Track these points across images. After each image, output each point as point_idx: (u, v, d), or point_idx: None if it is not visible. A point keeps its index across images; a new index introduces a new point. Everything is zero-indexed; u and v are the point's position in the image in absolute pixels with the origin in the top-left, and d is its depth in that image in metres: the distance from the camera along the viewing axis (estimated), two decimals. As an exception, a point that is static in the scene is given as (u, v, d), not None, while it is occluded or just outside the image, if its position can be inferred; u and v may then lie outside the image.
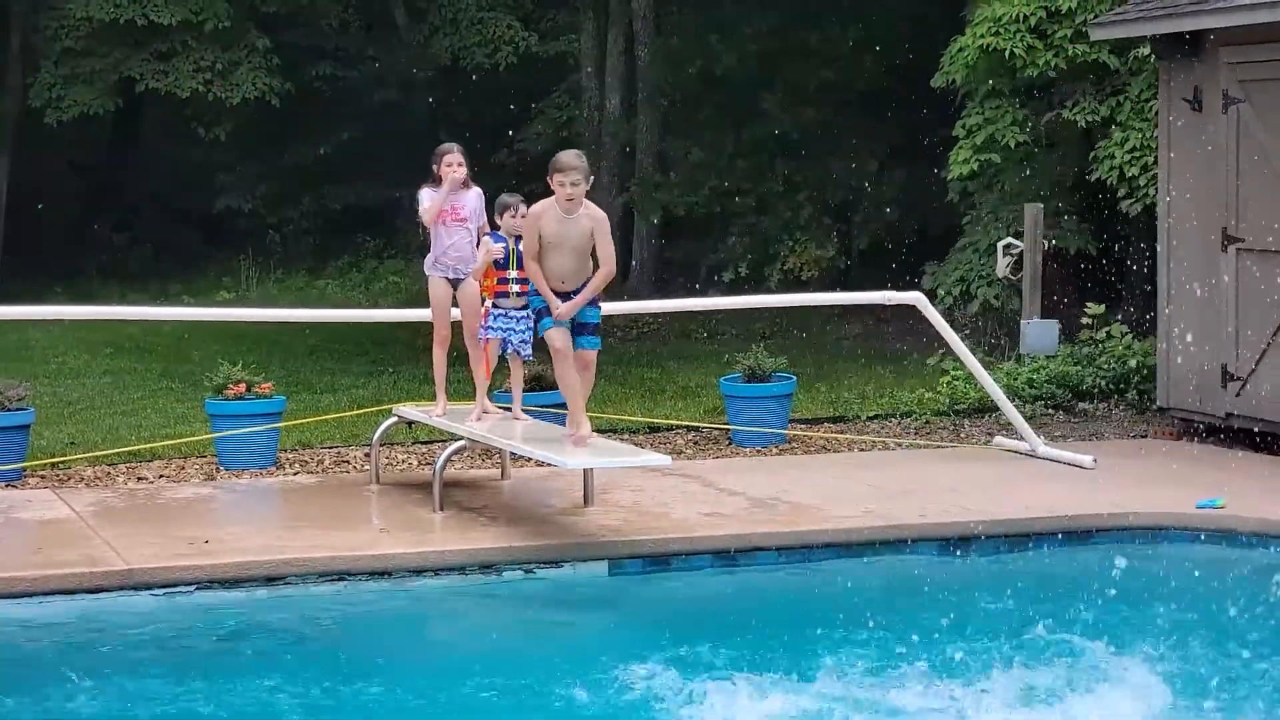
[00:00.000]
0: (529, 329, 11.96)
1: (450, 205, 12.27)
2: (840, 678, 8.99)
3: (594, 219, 11.25)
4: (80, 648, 9.56)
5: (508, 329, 12.07)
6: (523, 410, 12.48)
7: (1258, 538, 11.54)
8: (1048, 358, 16.55)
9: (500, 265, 11.97)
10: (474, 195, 12.39)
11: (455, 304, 12.42)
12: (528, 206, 11.63)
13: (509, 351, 12.18)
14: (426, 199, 12.30)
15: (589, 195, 11.34)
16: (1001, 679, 8.97)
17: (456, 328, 12.49)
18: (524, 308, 11.87)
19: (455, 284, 12.32)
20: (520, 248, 11.57)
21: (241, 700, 8.64)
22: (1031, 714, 8.45)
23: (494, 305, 12.06)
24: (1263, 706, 8.71)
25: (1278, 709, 8.68)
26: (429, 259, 12.38)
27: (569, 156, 11.32)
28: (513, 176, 26.70)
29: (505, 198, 12.12)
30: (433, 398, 12.90)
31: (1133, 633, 9.84)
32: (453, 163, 12.29)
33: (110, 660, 9.30)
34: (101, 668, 9.15)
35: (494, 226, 12.16)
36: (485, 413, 12.36)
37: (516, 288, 11.92)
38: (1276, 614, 10.13)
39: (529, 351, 12.14)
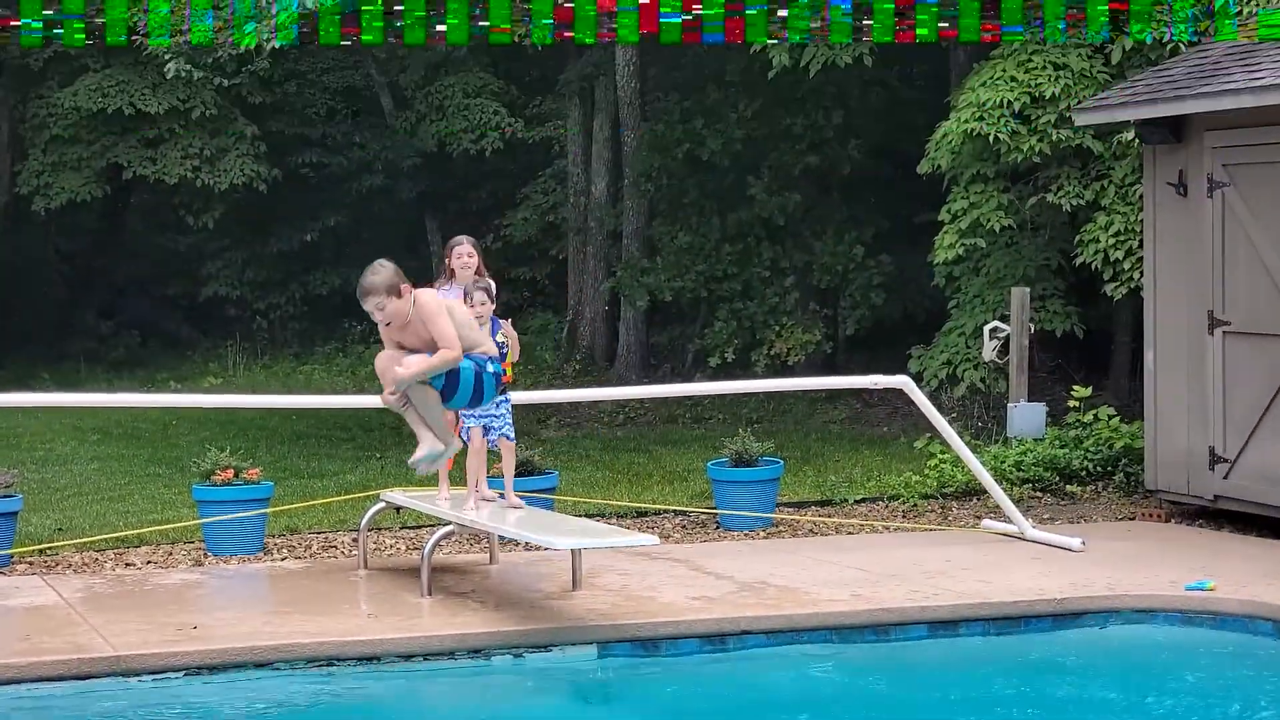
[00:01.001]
0: (509, 411, 11.98)
1: (470, 304, 12.19)
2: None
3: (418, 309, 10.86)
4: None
5: (486, 415, 12.04)
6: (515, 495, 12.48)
7: (1247, 619, 11.53)
8: (1035, 440, 16.58)
9: None
10: (485, 287, 12.32)
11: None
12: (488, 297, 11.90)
13: (494, 437, 12.15)
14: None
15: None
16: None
17: None
18: (503, 393, 11.85)
19: None
20: (496, 338, 11.61)
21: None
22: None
23: None
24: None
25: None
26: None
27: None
28: (499, 260, 26.82)
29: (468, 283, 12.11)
30: (421, 484, 12.90)
31: (1124, 715, 9.85)
32: (462, 254, 12.28)
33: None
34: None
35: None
36: (482, 499, 12.34)
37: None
38: (1265, 695, 10.14)
39: (512, 434, 12.12)
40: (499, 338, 11.79)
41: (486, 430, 12.11)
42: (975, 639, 11.52)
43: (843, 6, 15.01)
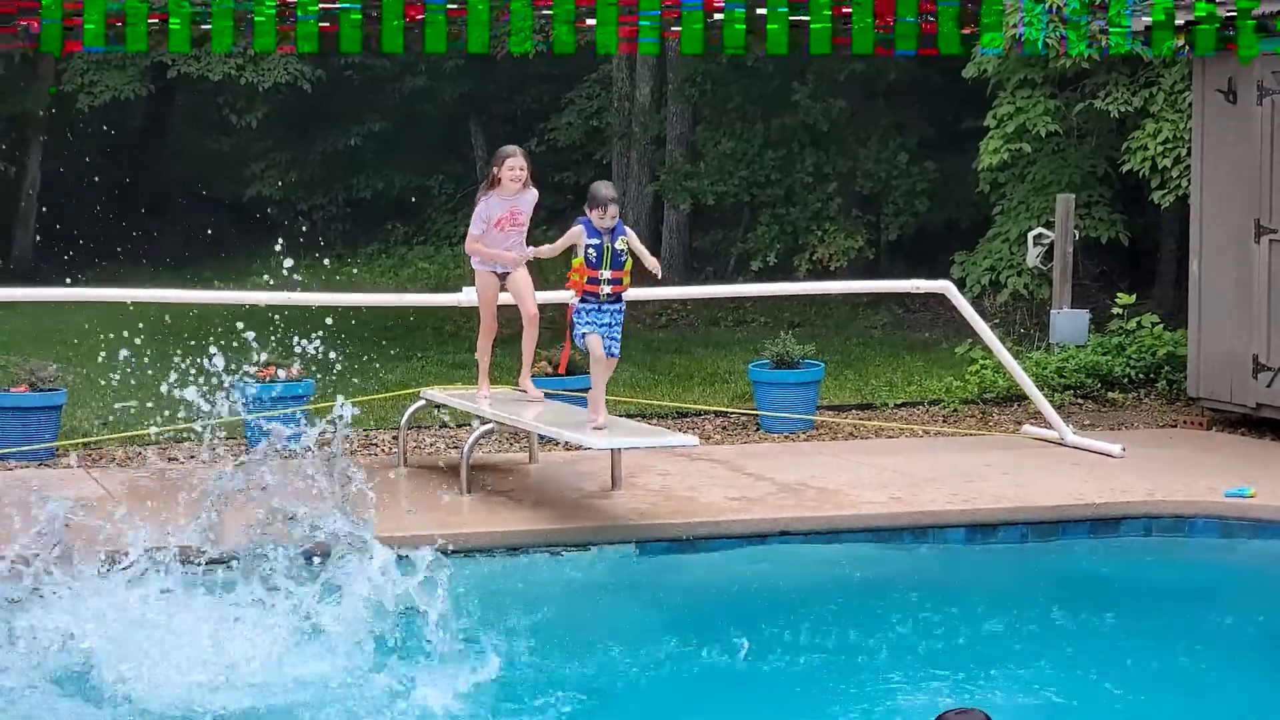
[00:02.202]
0: (619, 326, 11.70)
1: (509, 210, 12.10)
2: (867, 664, 9.02)
3: None
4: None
5: (603, 324, 11.58)
6: (544, 394, 12.47)
7: (1286, 526, 11.53)
8: (1077, 347, 16.53)
9: (591, 264, 11.49)
10: (530, 198, 12.15)
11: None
12: (619, 207, 11.64)
13: (603, 352, 11.61)
14: (484, 211, 12.07)
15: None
16: (1018, 664, 9.00)
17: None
18: (615, 302, 11.60)
19: (502, 277, 12.27)
20: (615, 245, 11.44)
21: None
22: (1039, 696, 8.44)
23: (582, 302, 11.55)
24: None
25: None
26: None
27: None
28: (543, 166, 26.75)
29: (604, 191, 11.63)
30: (462, 382, 12.92)
31: (1159, 619, 9.86)
32: (515, 167, 11.99)
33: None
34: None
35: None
36: (524, 392, 12.44)
37: (608, 288, 11.50)
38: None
39: (618, 350, 11.75)
40: (619, 244, 11.47)
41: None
42: (1013, 543, 11.53)
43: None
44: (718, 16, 15.16)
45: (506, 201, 12.06)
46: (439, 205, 29.55)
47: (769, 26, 15.14)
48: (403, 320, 21.95)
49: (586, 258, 11.43)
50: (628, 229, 11.64)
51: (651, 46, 14.00)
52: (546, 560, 10.89)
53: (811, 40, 15.54)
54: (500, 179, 12.02)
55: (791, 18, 15.14)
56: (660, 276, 11.84)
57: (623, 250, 11.49)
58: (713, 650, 9.17)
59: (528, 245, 12.31)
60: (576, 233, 11.48)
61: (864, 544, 11.35)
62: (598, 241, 11.43)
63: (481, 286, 12.36)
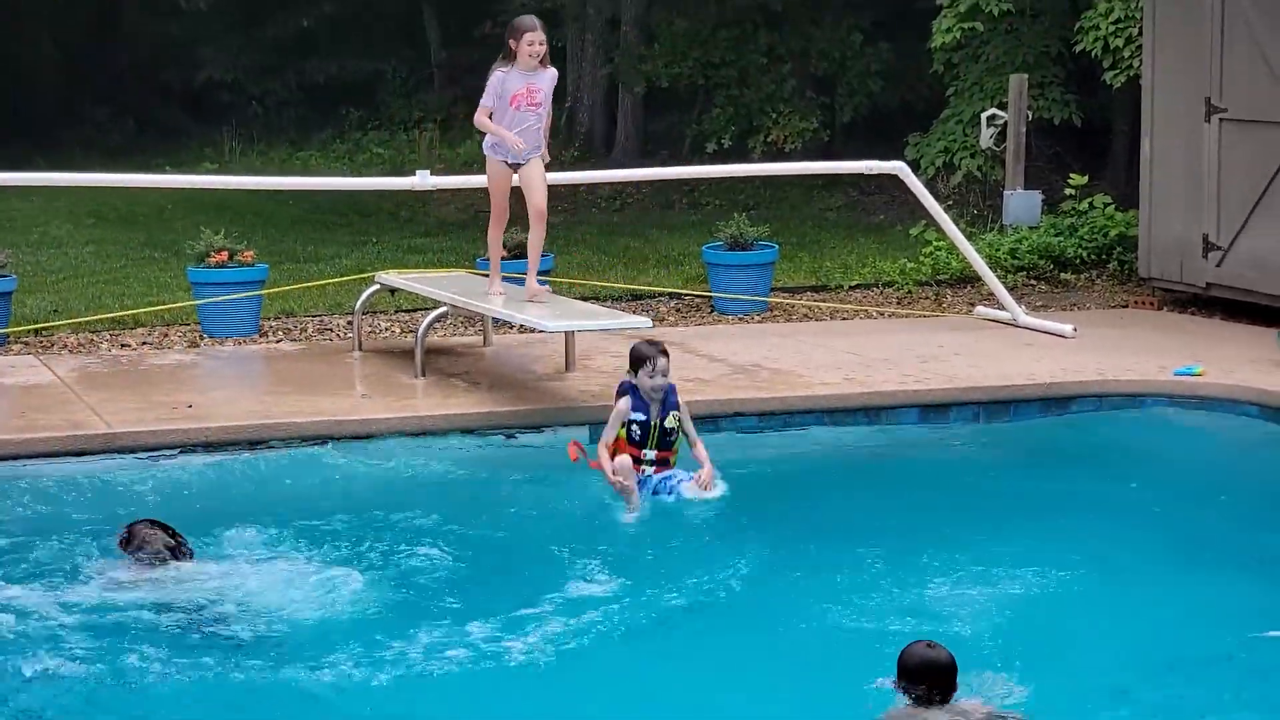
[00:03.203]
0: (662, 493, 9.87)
1: (526, 86, 11.23)
2: (815, 539, 9.10)
3: None
4: (65, 509, 9.60)
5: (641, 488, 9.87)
6: (502, 281, 12.24)
7: (1233, 403, 11.62)
8: (1030, 228, 16.58)
9: (634, 441, 9.90)
10: (550, 76, 11.34)
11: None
12: (668, 360, 9.90)
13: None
14: (498, 84, 11.22)
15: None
16: (973, 541, 9.10)
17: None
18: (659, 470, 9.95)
19: (514, 168, 11.50)
20: (665, 423, 9.89)
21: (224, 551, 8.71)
22: (992, 576, 8.54)
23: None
24: (1227, 559, 8.86)
25: (1242, 563, 8.81)
26: (488, 140, 11.46)
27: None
28: (496, 49, 26.57)
29: (645, 349, 9.93)
30: (417, 267, 12.87)
31: (1112, 495, 9.96)
32: (534, 41, 11.09)
33: (91, 521, 9.34)
34: (84, 526, 9.22)
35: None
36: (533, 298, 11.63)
37: (651, 468, 9.90)
38: (1248, 474, 10.26)
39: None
40: (669, 422, 9.90)
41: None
42: (965, 422, 11.62)
43: None
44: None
45: (525, 77, 11.23)
46: (394, 89, 29.35)
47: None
48: (358, 205, 21.88)
49: (629, 434, 9.88)
50: (682, 402, 10.03)
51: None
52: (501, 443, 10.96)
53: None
54: (516, 53, 11.16)
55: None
56: (709, 487, 9.79)
57: (673, 429, 9.95)
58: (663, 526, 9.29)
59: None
60: (622, 410, 9.91)
61: (818, 425, 11.43)
62: (644, 419, 9.89)
63: (492, 175, 11.58)
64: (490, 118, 11.33)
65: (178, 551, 8.52)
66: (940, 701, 6.39)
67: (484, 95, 11.28)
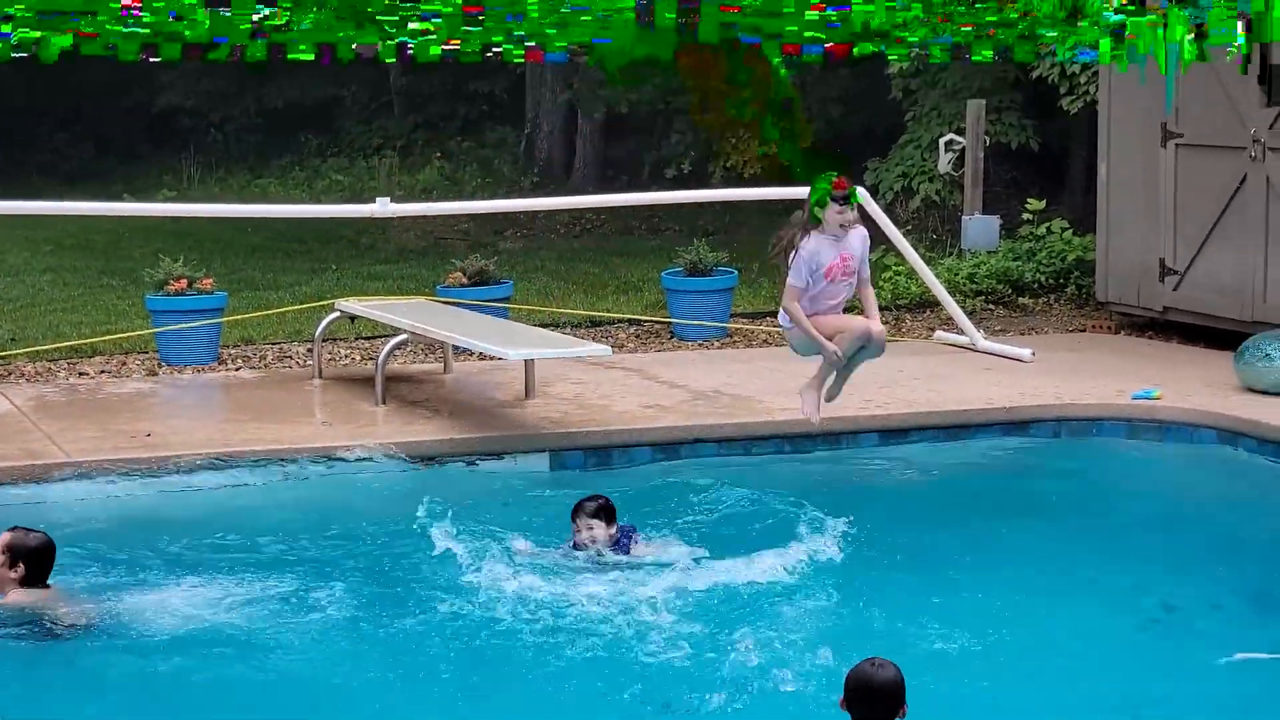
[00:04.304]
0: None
1: (839, 255, 9.80)
2: (780, 566, 9.11)
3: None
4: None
5: None
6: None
7: (1190, 427, 11.68)
8: (988, 253, 16.65)
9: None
10: (861, 237, 9.91)
11: None
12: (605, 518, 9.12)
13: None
14: (810, 257, 9.72)
15: None
16: (933, 561, 9.14)
17: None
18: None
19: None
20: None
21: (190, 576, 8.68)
22: (955, 598, 8.57)
23: None
24: (1179, 580, 8.91)
25: (1194, 579, 8.86)
26: (785, 315, 10.06)
27: None
28: (459, 75, 26.60)
29: (585, 506, 9.22)
30: (377, 294, 12.84)
31: (1069, 517, 10.00)
32: (844, 210, 9.67)
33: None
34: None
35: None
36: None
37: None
38: (1202, 495, 10.30)
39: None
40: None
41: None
42: (924, 445, 11.65)
43: None
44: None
45: (836, 245, 9.80)
46: (353, 115, 29.33)
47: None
48: (317, 232, 21.85)
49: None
50: (638, 540, 9.23)
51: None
52: (461, 470, 10.95)
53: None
54: (823, 220, 9.69)
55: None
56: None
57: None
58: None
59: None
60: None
61: (778, 452, 11.45)
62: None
63: (799, 341, 10.17)
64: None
65: None
66: None
67: (792, 272, 9.78)
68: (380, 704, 7.40)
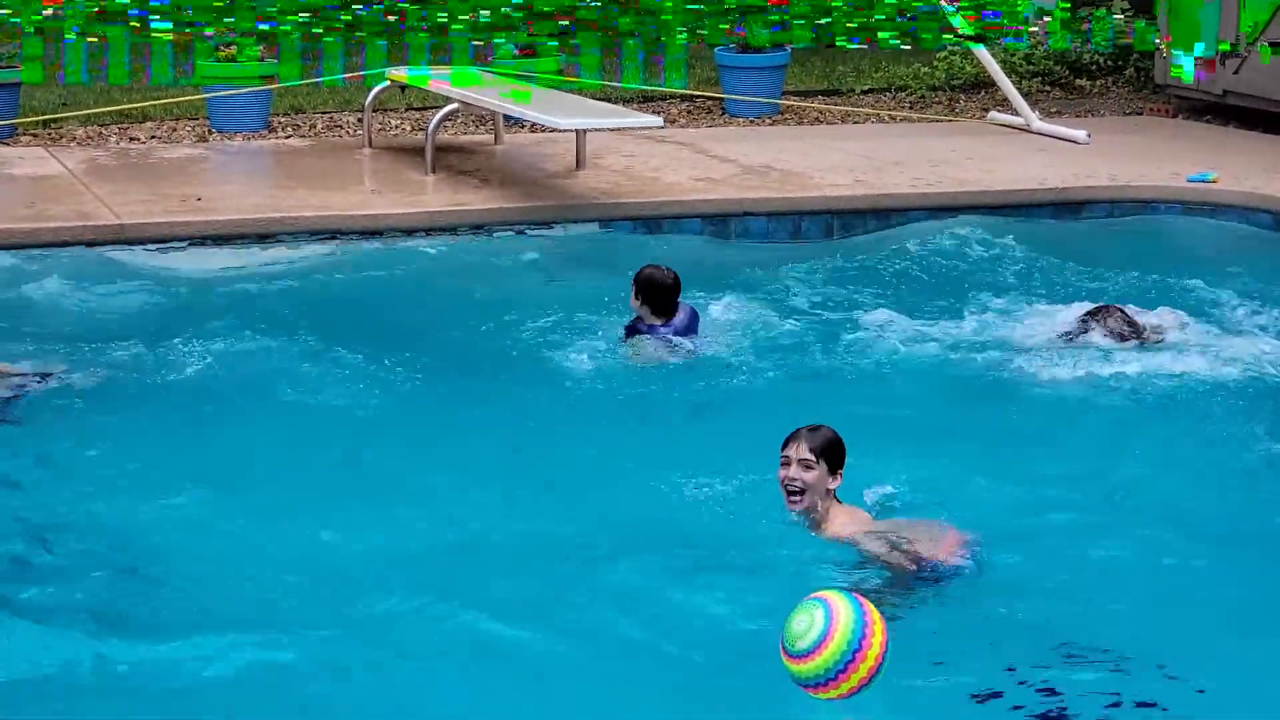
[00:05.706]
0: None
1: None
2: (823, 323, 9.17)
3: None
4: (73, 299, 9.61)
5: None
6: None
7: (1246, 210, 11.58)
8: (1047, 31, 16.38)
9: None
10: None
11: None
12: None
13: None
14: None
15: None
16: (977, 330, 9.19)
17: None
18: None
19: None
20: None
21: (228, 347, 8.71)
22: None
23: None
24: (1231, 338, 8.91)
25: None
26: None
27: None
28: None
29: None
30: (429, 63, 12.73)
31: (1122, 298, 9.96)
32: None
33: (101, 312, 9.37)
34: (95, 315, 9.25)
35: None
36: None
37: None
38: (1259, 280, 10.24)
39: None
40: None
41: None
42: (976, 225, 11.55)
43: None
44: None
45: None
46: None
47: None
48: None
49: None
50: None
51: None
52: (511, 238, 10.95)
53: None
54: None
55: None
56: None
57: None
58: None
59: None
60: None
61: (826, 226, 11.41)
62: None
63: None
64: None
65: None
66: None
67: None
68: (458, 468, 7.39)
